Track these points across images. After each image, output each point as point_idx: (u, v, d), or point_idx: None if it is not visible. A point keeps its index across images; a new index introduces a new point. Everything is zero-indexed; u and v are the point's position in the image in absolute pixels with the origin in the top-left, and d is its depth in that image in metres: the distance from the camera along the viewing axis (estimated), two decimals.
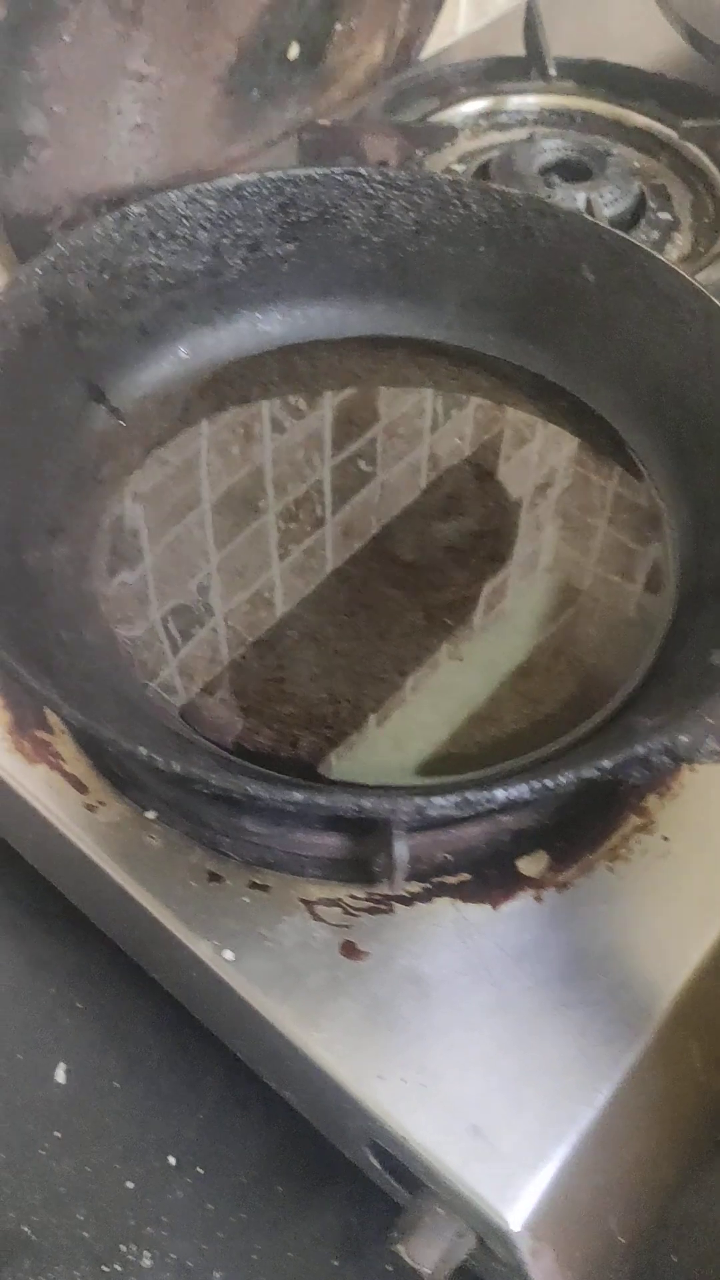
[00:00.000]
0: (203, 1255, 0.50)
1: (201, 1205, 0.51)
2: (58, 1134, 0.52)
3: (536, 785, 0.36)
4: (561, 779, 0.36)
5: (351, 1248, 0.50)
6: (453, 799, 0.36)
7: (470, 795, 0.36)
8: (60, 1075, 0.54)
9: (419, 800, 0.36)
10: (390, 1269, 0.50)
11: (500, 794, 0.36)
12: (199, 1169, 0.52)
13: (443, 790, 0.36)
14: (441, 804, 0.36)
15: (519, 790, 0.36)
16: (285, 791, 0.36)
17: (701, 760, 0.37)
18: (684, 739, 0.37)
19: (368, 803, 0.36)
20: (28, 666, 0.39)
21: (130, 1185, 0.51)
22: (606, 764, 0.36)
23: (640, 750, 0.37)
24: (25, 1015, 0.56)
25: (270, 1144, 0.52)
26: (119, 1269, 0.49)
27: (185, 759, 0.36)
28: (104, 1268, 0.49)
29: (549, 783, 0.36)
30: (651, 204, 0.75)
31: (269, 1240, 0.50)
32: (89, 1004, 0.56)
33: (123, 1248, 0.50)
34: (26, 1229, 0.50)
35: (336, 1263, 0.50)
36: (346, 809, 0.36)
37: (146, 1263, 0.49)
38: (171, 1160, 0.52)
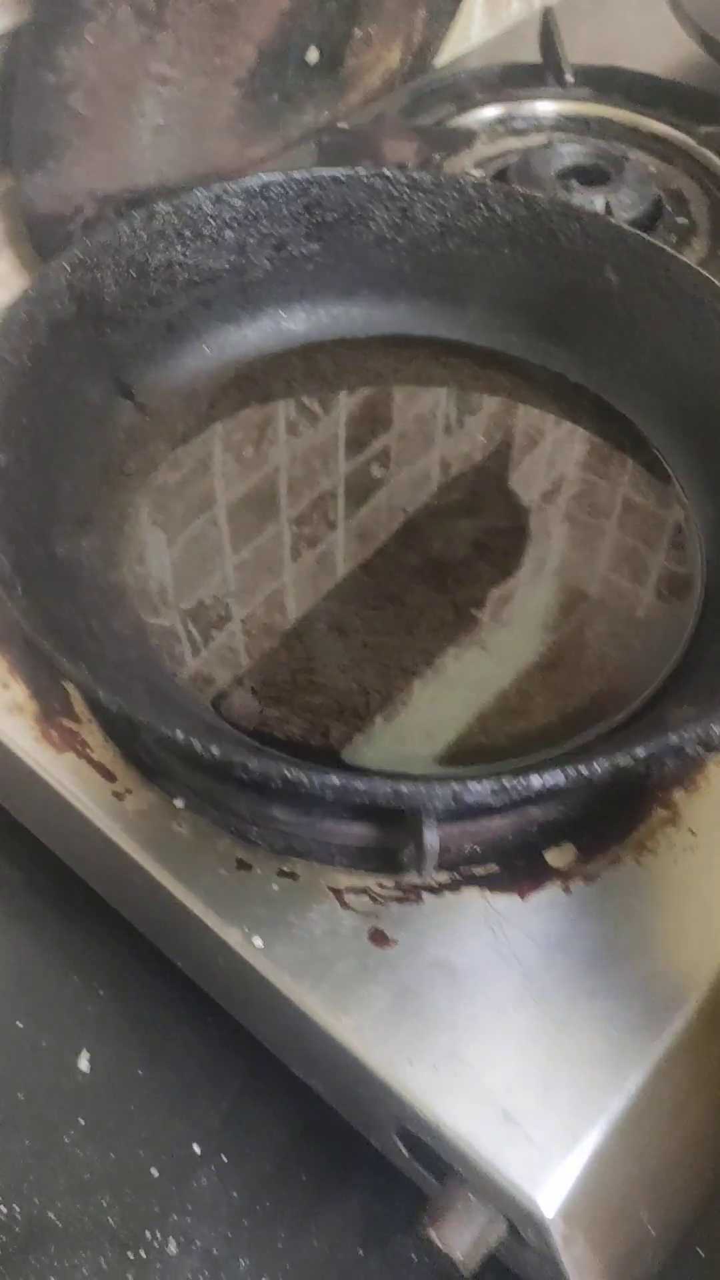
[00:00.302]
0: (228, 1243, 0.50)
1: (226, 1193, 0.51)
2: (82, 1121, 0.53)
3: (572, 772, 0.37)
4: (597, 766, 0.37)
5: (376, 1236, 0.50)
6: (489, 785, 0.36)
7: (507, 782, 0.36)
8: (84, 1063, 0.54)
9: (455, 786, 0.36)
10: (415, 1258, 0.50)
11: (536, 780, 0.36)
12: (223, 1157, 0.52)
13: (478, 777, 0.37)
14: (478, 789, 0.36)
15: (555, 777, 0.37)
16: (323, 776, 0.36)
17: None
18: (718, 729, 0.37)
19: (405, 788, 0.36)
20: (65, 654, 0.39)
21: (155, 1173, 0.51)
22: (640, 752, 0.37)
23: (674, 739, 0.37)
24: (49, 1003, 0.56)
25: (294, 1133, 0.53)
26: (144, 1255, 0.49)
27: (223, 744, 0.36)
28: (129, 1254, 0.49)
29: (584, 769, 0.37)
30: (668, 208, 0.76)
31: (294, 1228, 0.50)
32: (112, 992, 0.56)
33: (148, 1234, 0.50)
34: (52, 1215, 0.50)
35: (361, 1251, 0.50)
36: (384, 794, 0.36)
37: (172, 1250, 0.50)
38: (196, 1148, 0.52)
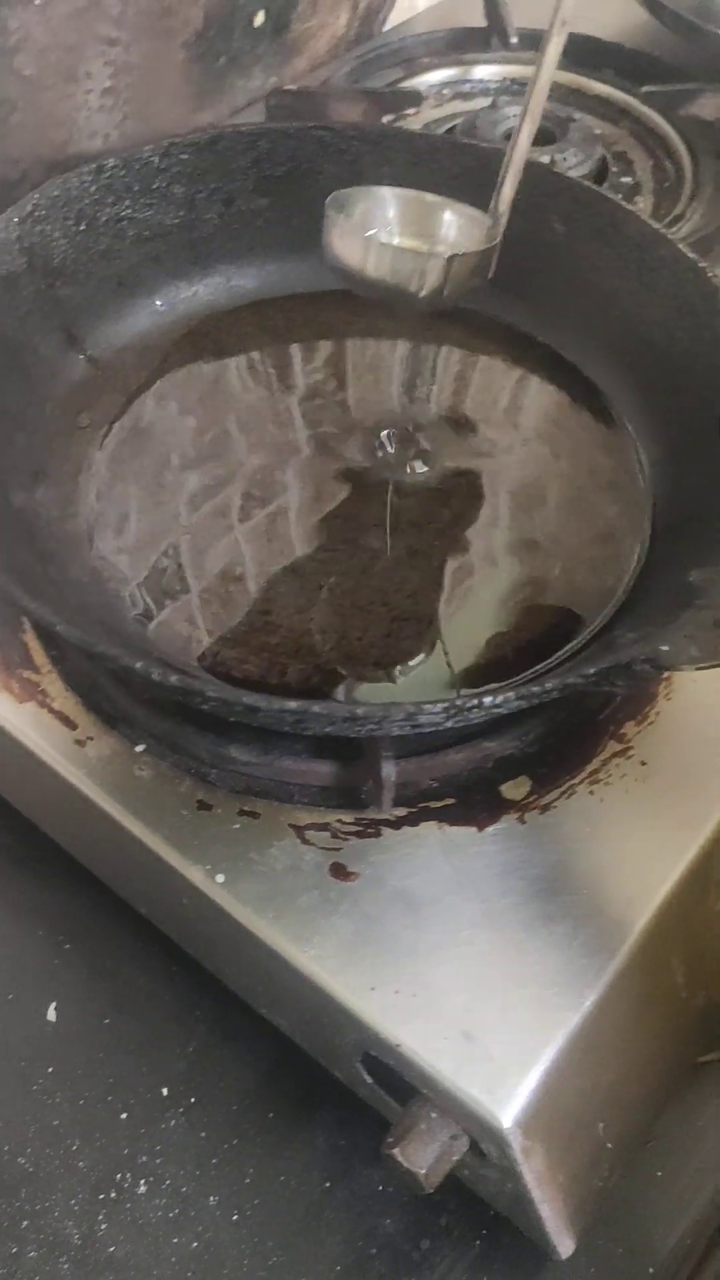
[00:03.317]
0: (197, 1181, 0.51)
1: (195, 1133, 0.52)
2: (50, 1069, 0.53)
3: (524, 692, 0.38)
4: (548, 685, 0.38)
5: (342, 1169, 0.51)
6: (442, 706, 0.37)
7: (460, 701, 0.37)
8: (51, 1014, 0.54)
9: (410, 707, 0.37)
10: (380, 1189, 0.51)
11: (488, 700, 0.37)
12: (191, 1099, 0.52)
13: (433, 700, 0.38)
14: (432, 711, 0.37)
15: (505, 697, 0.37)
16: (282, 702, 0.37)
17: (682, 667, 0.38)
18: (664, 648, 0.38)
19: (361, 710, 0.37)
20: (24, 591, 0.40)
21: (124, 1116, 0.52)
22: (590, 671, 0.38)
23: (623, 659, 0.38)
24: (15, 958, 0.56)
25: (260, 1073, 0.53)
26: (114, 1196, 0.50)
27: (182, 673, 0.37)
28: (100, 1195, 0.50)
29: (535, 689, 0.38)
30: (614, 168, 0.77)
31: (262, 1165, 0.51)
32: (77, 944, 0.57)
33: (118, 1176, 0.50)
34: (22, 1160, 0.51)
35: (328, 1184, 0.51)
36: (340, 716, 0.37)
37: (142, 1190, 0.50)
38: (164, 1091, 0.53)
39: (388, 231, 0.51)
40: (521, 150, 0.48)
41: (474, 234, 0.50)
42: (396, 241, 0.50)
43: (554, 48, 0.46)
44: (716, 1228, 0.50)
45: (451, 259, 0.47)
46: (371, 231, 0.50)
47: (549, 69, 0.46)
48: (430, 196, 0.52)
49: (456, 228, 0.51)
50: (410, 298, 0.47)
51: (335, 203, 0.49)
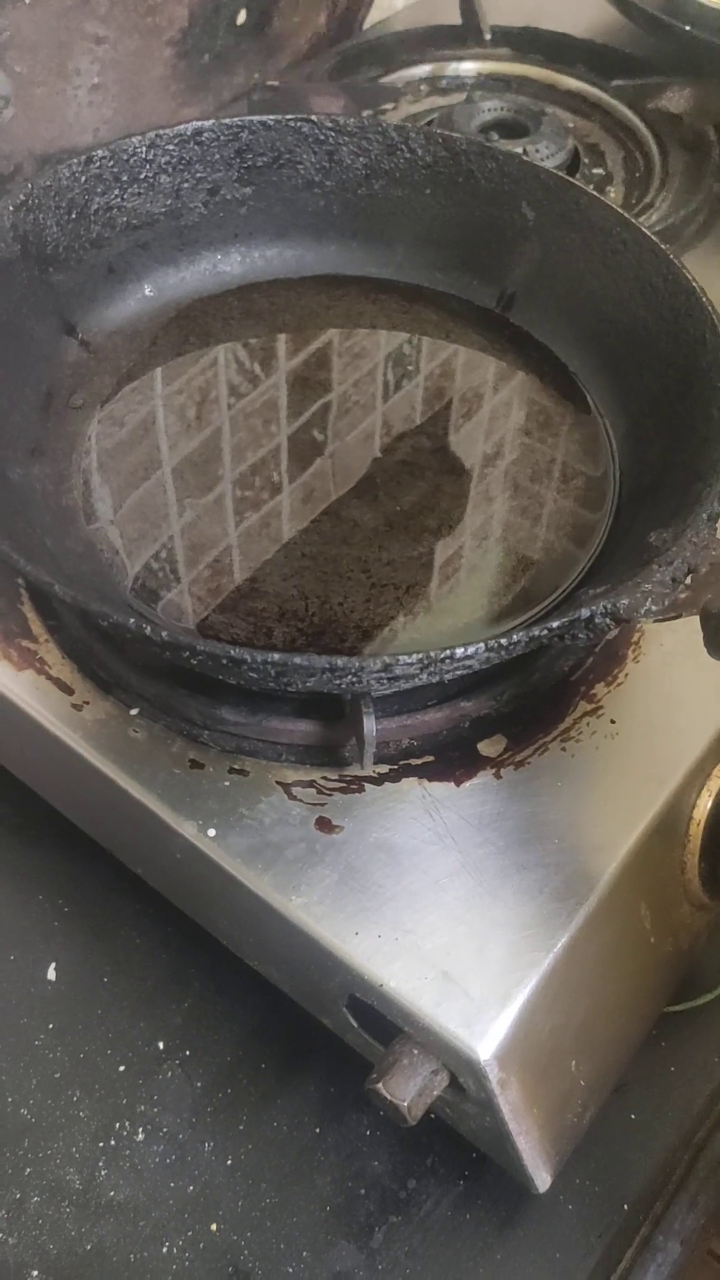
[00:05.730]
0: (192, 1128, 0.53)
1: (190, 1084, 0.54)
2: (51, 1025, 0.55)
3: (493, 644, 0.40)
4: (516, 638, 0.40)
5: (332, 1115, 0.53)
6: (417, 657, 0.39)
7: (433, 653, 0.39)
8: (51, 973, 0.57)
9: (386, 658, 0.39)
10: (369, 1132, 0.53)
11: (459, 652, 0.40)
12: (186, 1051, 0.55)
13: (408, 652, 0.40)
14: (407, 662, 0.39)
15: (476, 649, 0.40)
16: (265, 654, 0.39)
17: (641, 620, 0.41)
18: (624, 602, 0.41)
19: (340, 661, 0.39)
20: (22, 554, 0.42)
21: (122, 1069, 0.54)
22: (554, 624, 0.40)
23: (585, 613, 0.41)
24: (16, 921, 0.59)
25: (253, 1026, 0.56)
26: (114, 1144, 0.52)
27: (172, 629, 0.39)
28: (100, 1143, 0.52)
29: (503, 641, 0.40)
30: (585, 160, 0.79)
31: (254, 1112, 0.53)
32: (76, 907, 0.59)
33: (117, 1124, 0.53)
34: (25, 1111, 0.53)
35: (319, 1129, 0.53)
36: (320, 667, 0.39)
37: (140, 1137, 0.53)
38: (160, 1045, 0.55)
39: None
40: None
41: None
42: None
43: None
44: (686, 1166, 0.52)
45: None
46: None
47: None
48: None
49: None
50: None
51: None
